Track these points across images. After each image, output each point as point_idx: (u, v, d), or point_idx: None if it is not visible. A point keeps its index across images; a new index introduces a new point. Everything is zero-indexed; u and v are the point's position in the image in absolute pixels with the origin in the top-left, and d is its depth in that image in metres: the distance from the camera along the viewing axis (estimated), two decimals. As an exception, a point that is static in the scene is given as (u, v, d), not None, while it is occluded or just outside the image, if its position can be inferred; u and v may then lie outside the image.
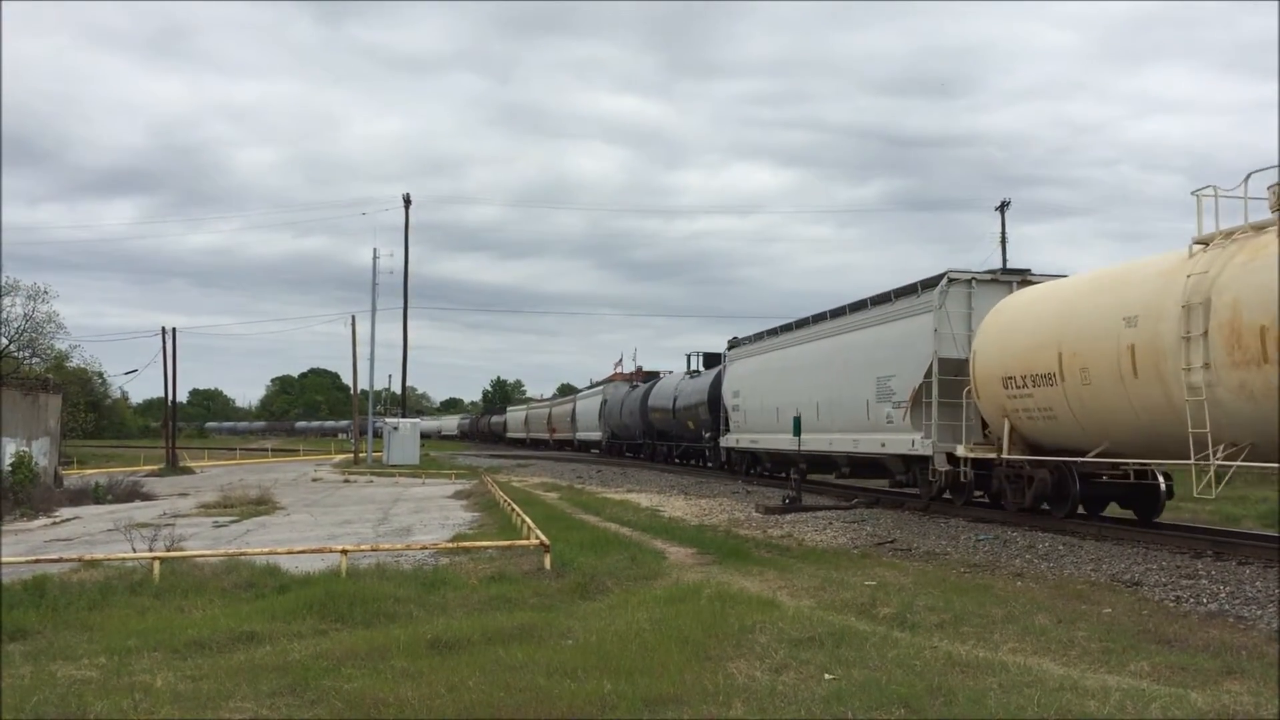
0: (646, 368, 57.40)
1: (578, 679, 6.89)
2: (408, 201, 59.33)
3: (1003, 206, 52.13)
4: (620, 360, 68.77)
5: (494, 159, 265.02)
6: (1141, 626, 9.22)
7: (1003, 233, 51.70)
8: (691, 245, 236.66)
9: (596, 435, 58.23)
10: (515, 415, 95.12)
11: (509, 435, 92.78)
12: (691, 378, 40.37)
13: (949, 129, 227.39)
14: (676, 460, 42.60)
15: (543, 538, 13.29)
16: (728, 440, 33.06)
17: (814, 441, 25.03)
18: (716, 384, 34.80)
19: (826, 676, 6.98)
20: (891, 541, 16.12)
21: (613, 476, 37.34)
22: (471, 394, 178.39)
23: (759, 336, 30.83)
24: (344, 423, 59.70)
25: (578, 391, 78.51)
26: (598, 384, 68.58)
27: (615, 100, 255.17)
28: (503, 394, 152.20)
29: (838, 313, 24.63)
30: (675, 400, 40.63)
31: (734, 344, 33.45)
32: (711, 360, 41.19)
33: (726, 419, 33.04)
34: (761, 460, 31.02)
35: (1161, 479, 16.51)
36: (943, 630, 8.94)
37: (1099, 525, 16.12)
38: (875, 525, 18.32)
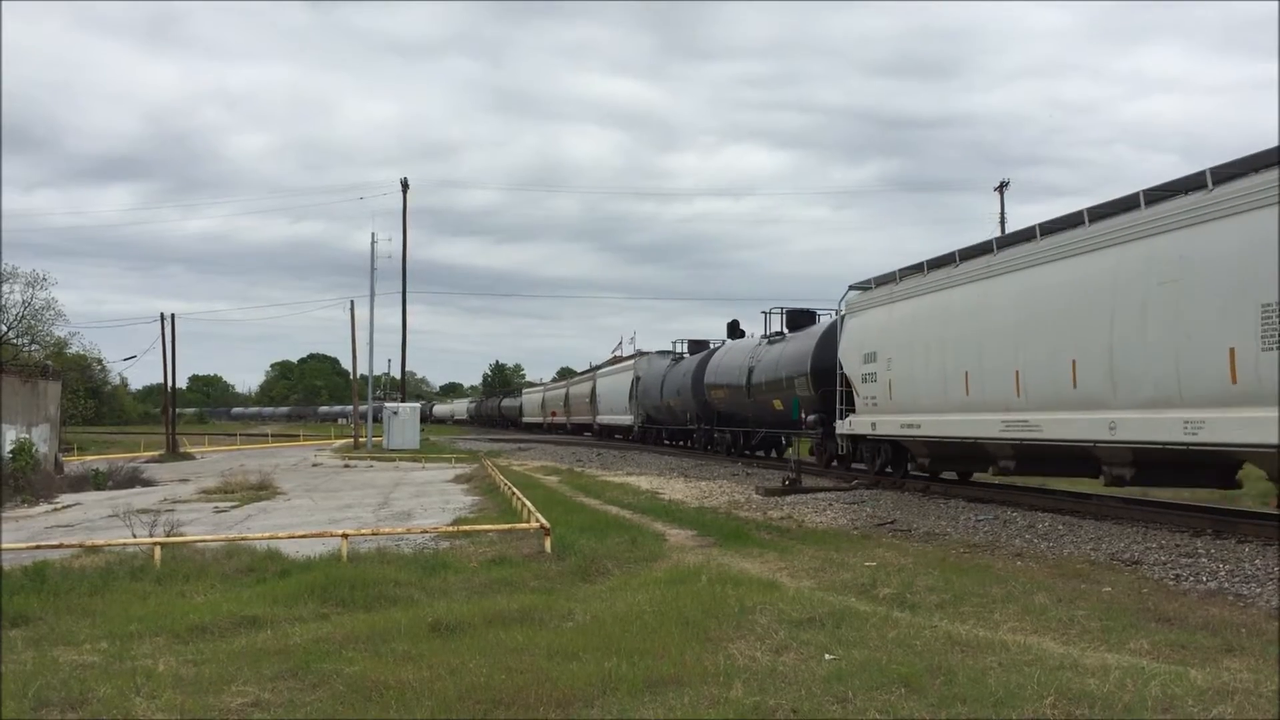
0: (645, 350, 51.94)
1: (579, 661, 6.90)
2: (405, 186, 59.25)
3: (1002, 187, 52.07)
4: (620, 343, 67.52)
5: (488, 143, 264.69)
6: (1141, 605, 9.24)
7: (1001, 213, 51.65)
8: (688, 228, 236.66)
9: (626, 419, 49.46)
10: (531, 398, 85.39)
11: (525, 420, 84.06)
12: (772, 342, 30.24)
13: (942, 110, 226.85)
14: (750, 453, 33.58)
15: (543, 521, 13.31)
16: (853, 425, 22.61)
17: (1053, 426, 15.49)
18: (826, 347, 24.77)
19: (827, 657, 6.99)
20: (891, 522, 16.14)
21: (612, 460, 37.38)
22: (471, 378, 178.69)
23: (916, 269, 20.54)
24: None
25: (588, 371, 69.91)
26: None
27: (608, 83, 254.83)
28: (502, 378, 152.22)
29: (1153, 197, 13.84)
30: (751, 373, 30.53)
31: (862, 287, 22.93)
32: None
33: (848, 395, 22.86)
34: (918, 453, 20.63)
35: None
36: (943, 610, 8.96)
37: (1112, 503, 16.13)
38: (875, 506, 18.35)
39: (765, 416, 30.11)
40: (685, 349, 41.89)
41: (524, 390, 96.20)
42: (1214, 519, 14.18)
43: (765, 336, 31.00)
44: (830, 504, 18.92)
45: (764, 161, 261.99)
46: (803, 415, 25.96)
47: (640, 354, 49.17)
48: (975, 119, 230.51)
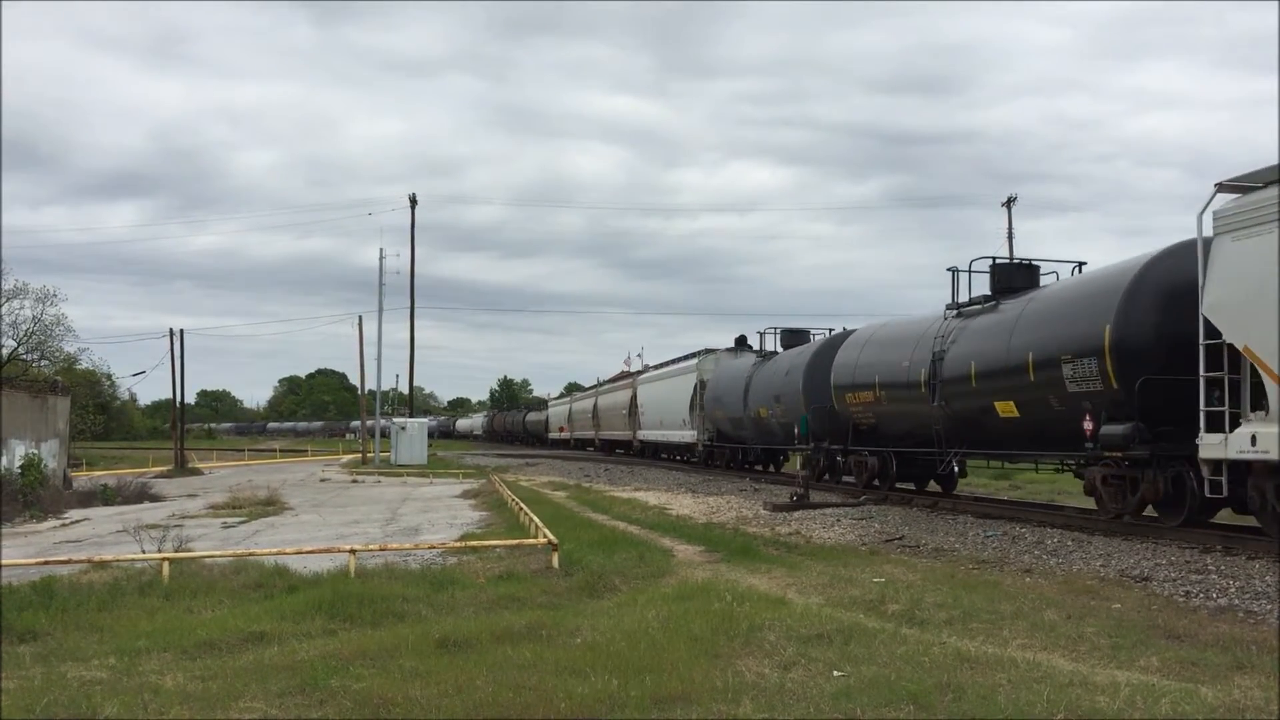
0: (713, 347, 38.99)
1: (586, 678, 6.89)
2: (414, 202, 59.26)
3: (1009, 202, 52.02)
4: (628, 358, 65.76)
5: (492, 159, 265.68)
6: (1151, 622, 9.19)
7: (1009, 228, 51.56)
8: (693, 244, 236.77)
9: (684, 436, 39.49)
10: (558, 410, 77.06)
11: (551, 436, 76.27)
12: (972, 315, 19.54)
13: (945, 126, 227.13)
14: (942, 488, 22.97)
15: (551, 536, 13.30)
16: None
17: None
18: (1131, 307, 14.90)
19: (835, 673, 6.97)
20: (899, 538, 16.10)
21: (620, 475, 37.32)
22: (479, 393, 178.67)
23: None
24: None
25: (621, 377, 59.16)
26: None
27: (611, 100, 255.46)
28: (510, 393, 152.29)
29: None
30: (941, 362, 19.49)
31: (1258, 183, 12.80)
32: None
33: (1234, 385, 12.89)
34: None
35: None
36: (951, 626, 8.92)
37: (1108, 521, 16.06)
38: (883, 522, 18.30)
39: (988, 431, 18.62)
40: (762, 344, 33.22)
41: (550, 403, 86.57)
42: (1224, 535, 14.12)
43: (956, 309, 20.33)
44: (838, 520, 18.87)
45: (767, 178, 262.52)
46: (1090, 423, 15.52)
47: (706, 351, 38.38)
48: (977, 135, 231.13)
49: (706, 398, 36.57)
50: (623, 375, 57.96)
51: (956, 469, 22.10)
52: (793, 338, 31.76)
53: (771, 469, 33.91)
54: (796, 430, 26.99)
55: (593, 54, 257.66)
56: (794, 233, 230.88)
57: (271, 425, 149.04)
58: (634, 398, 48.62)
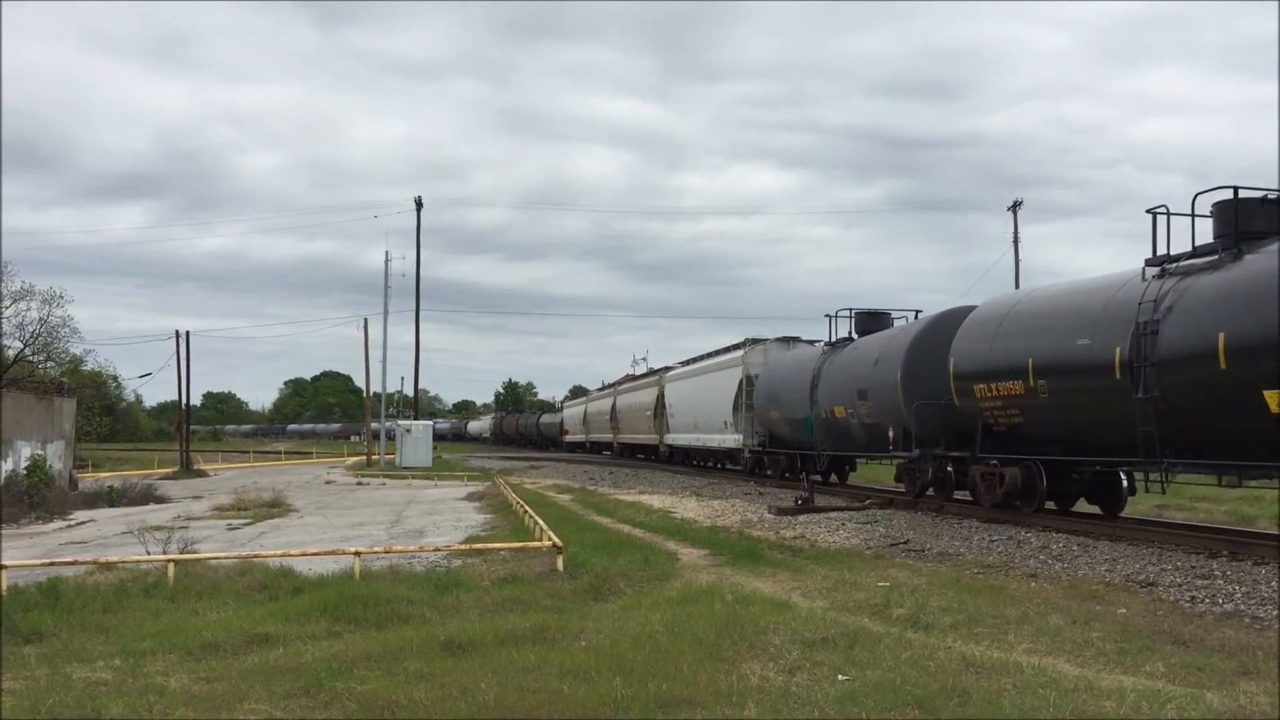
0: (761, 337, 34.10)
1: (591, 681, 6.89)
2: (419, 204, 59.40)
3: (1015, 207, 51.96)
4: (634, 361, 64.54)
5: (496, 162, 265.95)
6: (1157, 627, 9.17)
7: (1015, 233, 51.54)
8: (697, 247, 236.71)
9: (728, 440, 34.35)
10: (573, 412, 72.58)
11: (568, 439, 71.74)
12: (1230, 260, 13.95)
13: (948, 130, 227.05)
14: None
15: (555, 539, 13.30)
16: None
17: None
18: None
19: (840, 677, 6.96)
20: (905, 542, 16.08)
21: (625, 478, 37.32)
22: (484, 396, 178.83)
23: None
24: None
25: (647, 374, 52.94)
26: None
27: (613, 104, 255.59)
28: (514, 396, 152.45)
29: None
30: (1150, 338, 14.28)
31: None
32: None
33: None
34: None
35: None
36: (957, 631, 8.91)
37: (1113, 525, 16.03)
38: (888, 526, 18.28)
39: (1237, 432, 13.55)
40: (833, 329, 27.49)
41: (565, 405, 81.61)
42: (1230, 541, 14.09)
43: (1163, 263, 15.02)
44: (843, 523, 18.85)
45: (770, 181, 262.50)
46: None
47: (752, 341, 33.80)
48: (980, 139, 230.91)
49: (757, 395, 31.61)
50: (649, 372, 51.35)
51: (1125, 484, 17.53)
52: (870, 322, 26.32)
53: (834, 479, 28.99)
54: (891, 433, 22.02)
55: (595, 57, 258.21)
56: (798, 236, 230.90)
57: (291, 427, 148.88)
58: (660, 397, 43.96)
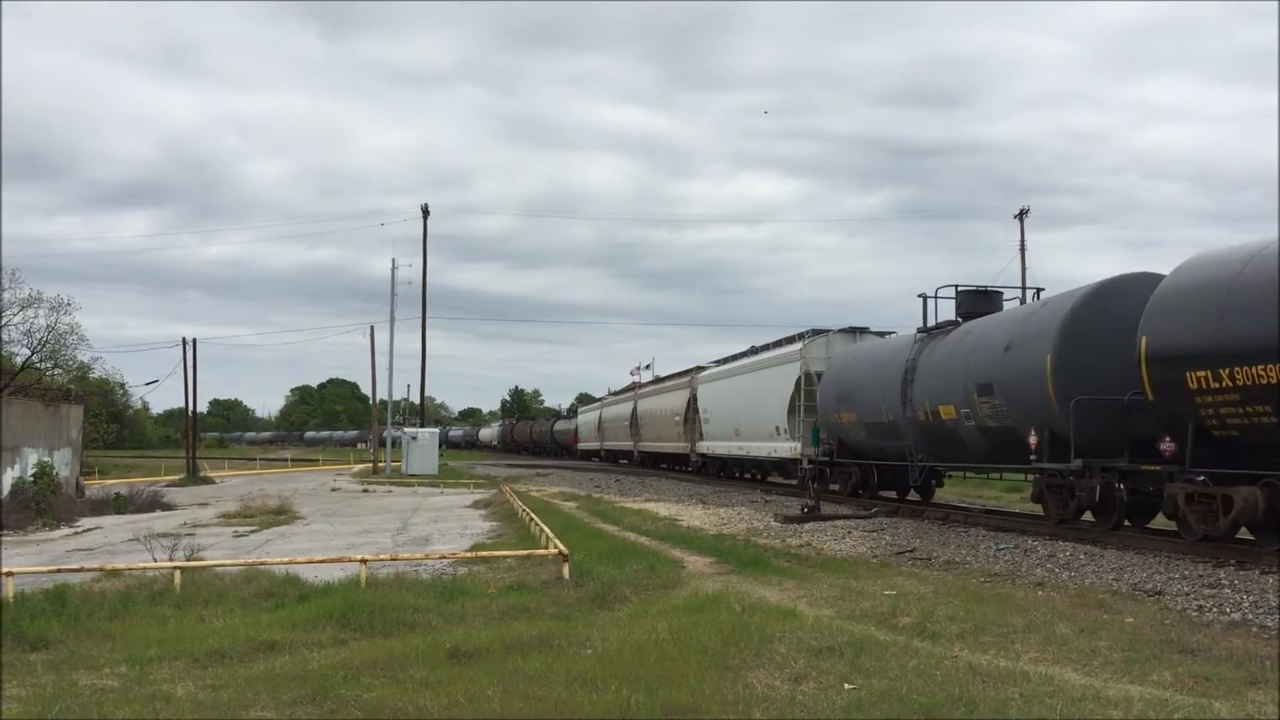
0: (822, 329, 28.82)
1: (597, 689, 6.88)
2: (426, 212, 59.51)
3: (1021, 215, 51.96)
4: (637, 367, 63.62)
5: (501, 170, 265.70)
6: (1164, 636, 9.15)
7: (1021, 240, 51.50)
8: (702, 255, 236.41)
9: (782, 448, 28.85)
10: (588, 418, 67.94)
11: (582, 446, 67.99)
12: None
13: (952, 138, 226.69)
14: None
15: (561, 547, 13.30)
16: None
17: None
18: None
19: (846, 686, 6.95)
20: (911, 551, 16.05)
21: (630, 486, 37.30)
22: (490, 403, 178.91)
23: None
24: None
25: (674, 375, 46.43)
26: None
27: (618, 112, 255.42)
28: (520, 403, 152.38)
29: None
30: None
31: None
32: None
33: None
34: None
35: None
36: (963, 640, 8.89)
37: (1134, 533, 15.99)
38: (894, 534, 18.25)
39: None
40: (929, 311, 22.37)
41: (580, 411, 76.65)
42: (1237, 550, 14.04)
43: None
44: (849, 532, 18.83)
45: (775, 189, 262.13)
46: None
47: (813, 333, 28.74)
48: (984, 147, 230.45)
49: (821, 396, 26.18)
50: (679, 374, 45.60)
51: None
52: (981, 302, 21.57)
53: (914, 496, 23.68)
54: (1033, 438, 17.17)
55: (600, 66, 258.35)
56: (802, 244, 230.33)
57: (309, 434, 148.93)
58: (692, 400, 38.68)
